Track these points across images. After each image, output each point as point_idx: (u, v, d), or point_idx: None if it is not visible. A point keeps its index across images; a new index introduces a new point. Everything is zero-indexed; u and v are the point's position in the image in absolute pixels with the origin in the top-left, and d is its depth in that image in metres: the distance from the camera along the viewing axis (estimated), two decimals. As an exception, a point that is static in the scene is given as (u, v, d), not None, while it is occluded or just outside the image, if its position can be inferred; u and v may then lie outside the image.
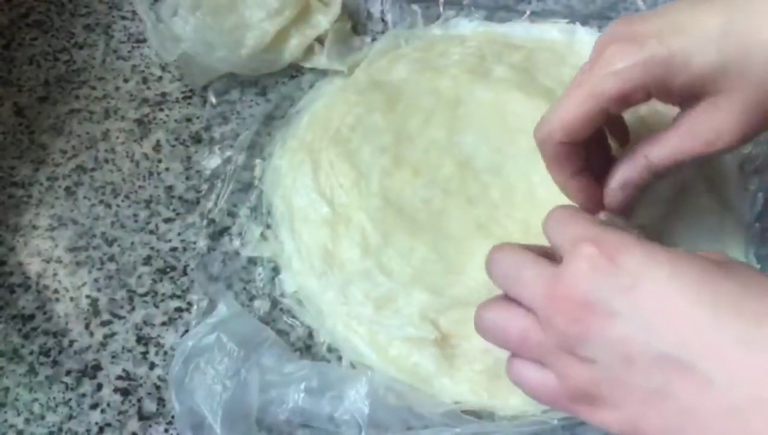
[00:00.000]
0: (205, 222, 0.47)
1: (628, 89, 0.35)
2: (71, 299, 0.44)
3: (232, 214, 0.48)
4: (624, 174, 0.39)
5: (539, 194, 0.46)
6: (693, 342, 0.29)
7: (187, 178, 0.49)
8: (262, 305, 0.44)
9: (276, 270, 0.46)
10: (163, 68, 0.54)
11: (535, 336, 0.33)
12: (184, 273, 0.45)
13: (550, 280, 0.32)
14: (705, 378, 0.28)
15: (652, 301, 0.30)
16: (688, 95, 0.36)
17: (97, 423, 0.40)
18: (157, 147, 0.51)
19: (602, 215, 0.39)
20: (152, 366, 0.42)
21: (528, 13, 0.56)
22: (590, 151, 0.39)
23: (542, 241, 0.35)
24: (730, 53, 0.34)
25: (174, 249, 0.46)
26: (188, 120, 0.52)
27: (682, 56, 0.34)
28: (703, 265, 0.30)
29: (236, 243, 0.46)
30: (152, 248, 0.46)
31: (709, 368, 0.28)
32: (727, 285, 0.30)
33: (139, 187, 0.49)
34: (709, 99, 0.35)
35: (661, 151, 0.37)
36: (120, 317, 0.44)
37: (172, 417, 0.40)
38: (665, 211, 0.45)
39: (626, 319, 0.30)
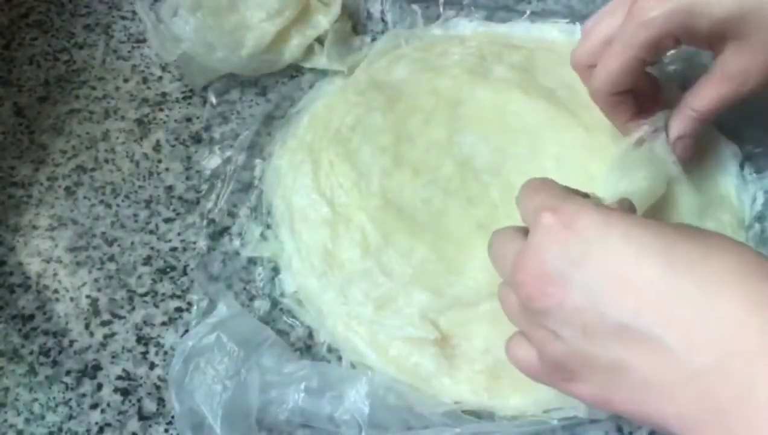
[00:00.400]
0: (205, 222, 0.47)
1: (657, 37, 0.39)
2: (71, 299, 0.44)
3: (232, 214, 0.48)
4: (677, 129, 0.43)
5: (539, 194, 0.46)
6: (649, 310, 0.28)
7: (187, 178, 0.49)
8: (262, 305, 0.44)
9: (276, 270, 0.46)
10: (163, 68, 0.54)
11: (515, 307, 0.34)
12: (184, 273, 0.45)
13: (518, 255, 0.33)
14: (663, 346, 0.28)
15: (607, 269, 0.29)
16: (715, 40, 0.39)
17: (97, 423, 0.40)
18: (157, 147, 0.51)
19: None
20: (152, 366, 0.42)
21: (528, 13, 0.56)
22: (644, 97, 0.44)
23: None
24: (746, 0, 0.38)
25: (174, 249, 0.46)
26: (188, 120, 0.52)
27: (703, 4, 0.38)
28: (659, 229, 0.30)
29: (236, 243, 0.46)
30: (152, 248, 0.46)
31: (666, 336, 0.28)
32: (685, 248, 0.29)
33: (139, 187, 0.49)
34: (735, 42, 0.39)
35: (702, 100, 0.42)
36: (120, 317, 0.44)
37: (172, 417, 0.40)
38: (664, 212, 0.45)
39: (581, 290, 0.30)
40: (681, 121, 0.43)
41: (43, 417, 0.40)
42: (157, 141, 0.51)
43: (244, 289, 0.45)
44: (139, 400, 0.41)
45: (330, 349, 0.43)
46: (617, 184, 0.42)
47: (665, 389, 0.28)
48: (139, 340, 0.43)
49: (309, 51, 0.54)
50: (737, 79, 0.40)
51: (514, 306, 0.34)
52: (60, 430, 0.40)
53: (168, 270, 0.46)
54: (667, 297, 0.28)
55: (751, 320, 0.27)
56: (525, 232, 0.35)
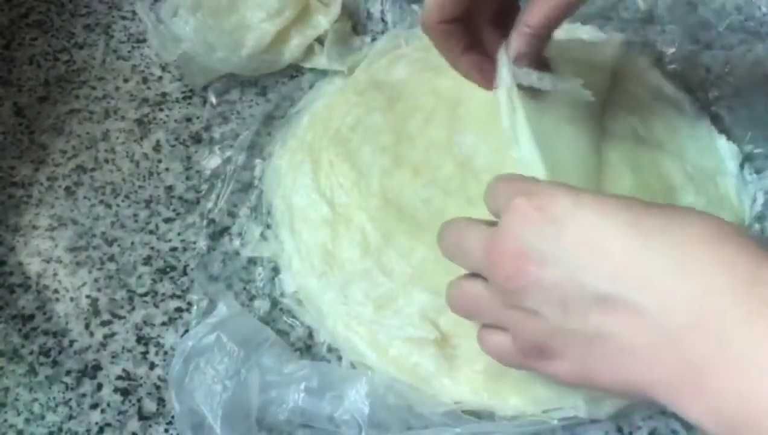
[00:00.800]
0: (205, 222, 0.47)
1: None
2: (71, 299, 0.44)
3: (232, 214, 0.48)
4: (515, 48, 0.41)
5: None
6: (623, 276, 0.29)
7: (187, 178, 0.49)
8: (262, 305, 0.44)
9: (276, 270, 0.46)
10: (163, 68, 0.54)
11: (485, 299, 0.34)
12: (184, 273, 0.45)
13: (488, 240, 0.33)
14: (637, 310, 0.29)
15: (582, 243, 0.30)
16: None
17: (97, 423, 0.40)
18: (157, 147, 0.51)
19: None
20: (152, 366, 0.42)
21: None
22: (480, 31, 0.42)
23: None
24: None
25: (174, 249, 0.46)
26: (188, 120, 0.52)
27: None
28: (630, 204, 0.31)
29: (236, 243, 0.46)
30: (152, 248, 0.46)
31: (641, 299, 0.29)
32: (656, 219, 0.30)
33: (139, 187, 0.49)
34: None
35: (534, 15, 0.40)
36: (120, 317, 0.44)
37: (172, 417, 0.40)
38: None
39: (558, 265, 0.30)
40: (517, 40, 0.41)
41: (43, 417, 0.40)
42: (157, 141, 0.51)
43: (244, 289, 0.45)
44: (139, 400, 0.41)
45: (330, 349, 0.43)
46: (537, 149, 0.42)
47: (645, 354, 0.29)
48: (139, 340, 0.43)
49: (309, 51, 0.54)
50: None
51: (482, 295, 0.34)
52: (60, 430, 0.40)
53: (168, 270, 0.46)
54: (642, 263, 0.29)
55: (720, 280, 0.28)
56: (485, 223, 0.35)
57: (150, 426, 0.40)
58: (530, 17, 0.40)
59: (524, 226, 0.32)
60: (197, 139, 0.51)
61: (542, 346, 0.32)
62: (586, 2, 0.40)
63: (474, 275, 0.35)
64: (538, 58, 0.41)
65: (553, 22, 0.40)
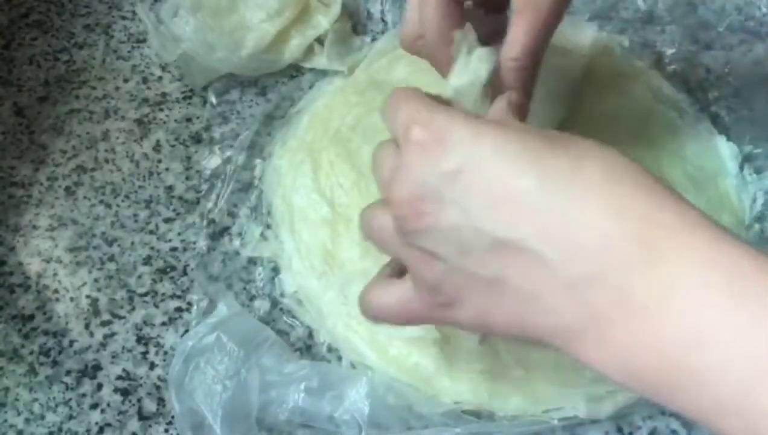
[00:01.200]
0: (205, 222, 0.47)
1: None
2: (71, 299, 0.44)
3: (232, 214, 0.48)
4: (507, 85, 0.38)
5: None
6: (523, 223, 0.28)
7: (187, 178, 0.49)
8: (262, 305, 0.44)
9: (276, 270, 0.46)
10: (163, 68, 0.54)
11: (389, 231, 0.32)
12: (184, 273, 0.45)
13: (391, 173, 0.32)
14: (540, 259, 0.28)
15: (480, 184, 0.29)
16: None
17: (97, 423, 0.40)
18: (157, 147, 0.51)
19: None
20: (152, 366, 0.42)
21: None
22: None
23: None
24: None
25: (174, 249, 0.46)
26: (188, 120, 0.52)
27: None
28: (530, 140, 0.30)
29: (236, 243, 0.46)
30: (152, 248, 0.46)
31: (541, 247, 0.28)
32: (558, 159, 0.29)
33: (139, 187, 0.49)
34: None
35: (513, 46, 0.37)
36: (120, 317, 0.44)
37: (172, 417, 0.40)
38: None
39: (455, 206, 0.29)
40: (507, 77, 0.38)
41: (43, 417, 0.40)
42: (157, 141, 0.51)
43: (244, 289, 0.45)
44: (139, 400, 0.41)
45: (330, 349, 0.43)
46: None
47: (544, 300, 0.28)
48: (139, 340, 0.43)
49: (309, 51, 0.54)
50: (530, 6, 0.37)
51: (387, 228, 0.32)
52: (60, 430, 0.40)
53: (168, 270, 0.46)
54: (540, 210, 0.28)
55: (618, 226, 0.27)
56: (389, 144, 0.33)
57: (150, 426, 0.40)
58: (509, 50, 0.38)
59: (421, 163, 0.30)
60: (197, 139, 0.51)
61: (442, 291, 0.31)
62: (562, 19, 0.38)
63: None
64: (533, 84, 0.39)
65: (537, 47, 0.38)
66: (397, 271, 0.35)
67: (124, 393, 0.41)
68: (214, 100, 0.52)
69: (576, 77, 0.49)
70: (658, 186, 0.28)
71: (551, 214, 0.28)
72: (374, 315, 0.35)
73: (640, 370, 0.27)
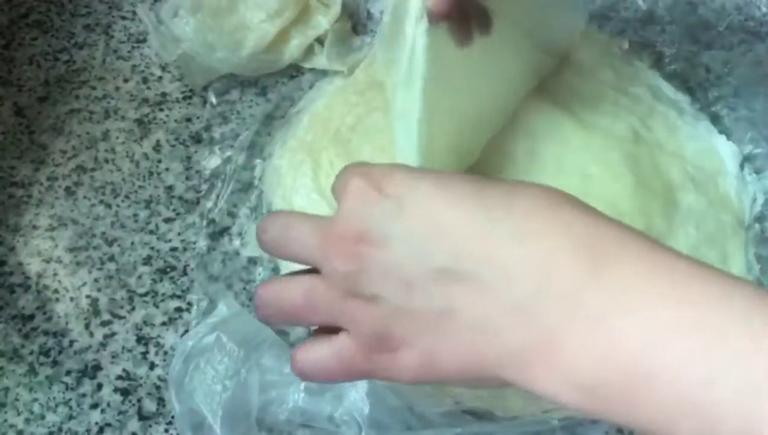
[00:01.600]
0: (205, 222, 0.47)
1: None
2: (71, 299, 0.44)
3: (232, 214, 0.48)
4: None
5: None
6: (465, 249, 0.28)
7: (187, 178, 0.49)
8: (262, 305, 0.44)
9: (276, 270, 0.46)
10: (163, 68, 0.54)
11: (320, 291, 0.31)
12: (184, 273, 0.45)
13: (323, 228, 0.31)
14: (485, 283, 0.28)
15: (421, 218, 0.29)
16: None
17: (97, 423, 0.40)
18: (157, 147, 0.51)
19: None
20: (152, 366, 0.42)
21: (528, 13, 0.56)
22: None
23: None
24: None
25: (174, 249, 0.46)
26: (188, 120, 0.52)
27: None
28: (467, 178, 0.31)
29: (236, 243, 0.46)
30: (152, 248, 0.46)
31: (484, 271, 0.28)
32: (494, 191, 0.30)
33: (139, 187, 0.49)
34: None
35: None
36: (120, 317, 0.44)
37: (172, 417, 0.40)
38: (663, 211, 0.46)
39: (398, 242, 0.29)
40: None
41: (43, 417, 0.41)
42: (157, 141, 0.51)
43: (244, 289, 0.45)
44: (139, 400, 0.41)
45: (330, 349, 0.43)
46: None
47: (494, 322, 0.28)
48: (139, 340, 0.43)
49: (309, 51, 0.54)
50: None
51: (317, 289, 0.31)
52: (60, 430, 0.40)
53: (168, 270, 0.46)
54: (482, 235, 0.28)
55: (560, 240, 0.28)
56: (316, 215, 0.33)
57: (150, 426, 0.40)
58: None
59: (362, 208, 0.30)
60: (197, 139, 0.51)
61: (387, 336, 0.30)
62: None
63: (306, 271, 0.33)
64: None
65: None
66: (329, 331, 0.33)
67: (124, 393, 0.41)
68: (214, 100, 0.52)
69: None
70: (593, 209, 0.29)
71: (493, 239, 0.28)
72: (305, 371, 0.33)
73: (593, 386, 0.26)
